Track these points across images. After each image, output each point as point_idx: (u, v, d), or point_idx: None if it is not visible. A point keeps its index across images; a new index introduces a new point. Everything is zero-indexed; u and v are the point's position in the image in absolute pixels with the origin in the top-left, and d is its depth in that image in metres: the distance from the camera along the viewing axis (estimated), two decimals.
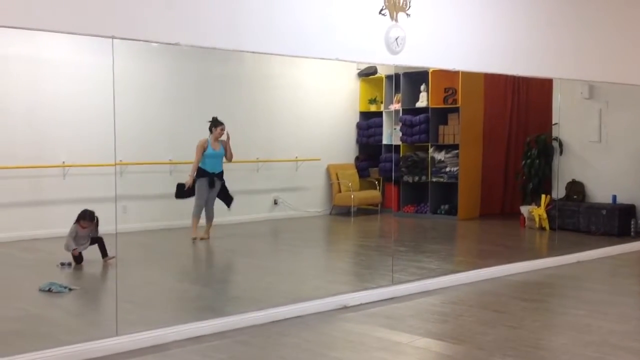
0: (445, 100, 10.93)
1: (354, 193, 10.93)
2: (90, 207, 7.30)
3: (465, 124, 10.72)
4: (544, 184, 9.99)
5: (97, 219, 7.06)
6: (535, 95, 10.70)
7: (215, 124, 8.46)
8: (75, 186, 8.67)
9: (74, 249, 6.91)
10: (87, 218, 6.99)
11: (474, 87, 10.70)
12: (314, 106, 10.97)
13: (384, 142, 11.35)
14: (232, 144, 8.56)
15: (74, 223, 6.99)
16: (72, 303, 5.79)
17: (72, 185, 8.67)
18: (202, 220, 8.52)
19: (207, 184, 8.38)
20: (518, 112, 11.16)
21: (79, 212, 7.11)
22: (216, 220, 8.61)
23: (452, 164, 10.74)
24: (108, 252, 6.98)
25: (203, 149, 8.41)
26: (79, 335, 4.55)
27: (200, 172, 8.40)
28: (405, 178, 11.01)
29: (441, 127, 10.95)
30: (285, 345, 4.56)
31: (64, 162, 8.64)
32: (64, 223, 7.11)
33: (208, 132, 8.47)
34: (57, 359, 4.15)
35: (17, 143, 8.35)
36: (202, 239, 8.38)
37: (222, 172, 8.55)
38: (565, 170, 9.60)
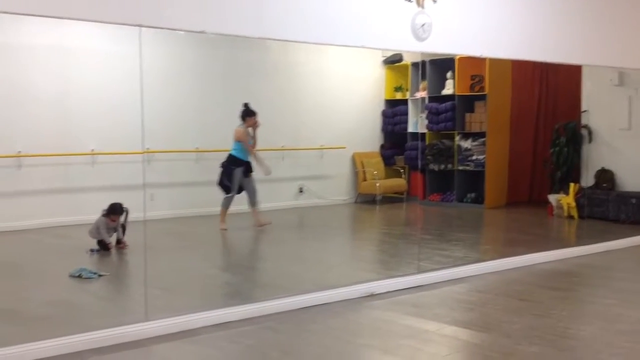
0: (472, 88, 10.84)
1: (379, 181, 10.92)
2: (118, 195, 7.38)
3: (493, 112, 10.63)
4: (573, 172, 9.88)
5: (127, 210, 7.11)
6: (564, 82, 10.56)
7: (250, 113, 8.35)
8: (104, 174, 8.78)
9: (108, 243, 7.01)
10: (117, 212, 7.06)
11: (501, 74, 10.59)
12: (340, 94, 10.96)
13: (410, 130, 11.33)
14: (259, 131, 8.53)
15: (103, 216, 7.05)
16: (102, 288, 5.87)
17: (101, 173, 8.78)
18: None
19: (243, 172, 8.38)
20: (546, 99, 11.04)
21: (107, 199, 7.18)
22: (242, 207, 8.66)
23: (479, 152, 10.66)
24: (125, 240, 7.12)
25: (247, 136, 8.34)
26: (109, 320, 4.61)
27: (237, 162, 8.34)
28: (431, 166, 10.96)
29: (468, 115, 10.88)
30: (313, 332, 4.58)
31: (92, 150, 8.75)
32: (93, 210, 7.20)
33: (239, 120, 8.37)
34: (87, 343, 4.21)
35: (46, 132, 8.47)
36: (262, 225, 8.43)
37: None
38: (594, 158, 9.48)
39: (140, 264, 5.80)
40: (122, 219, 7.11)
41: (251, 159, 8.45)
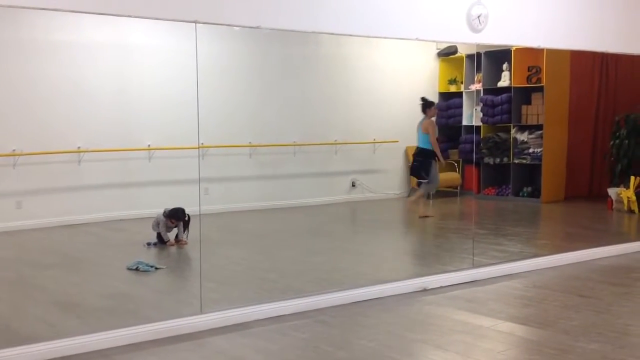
0: (528, 79, 10.63)
1: None
2: (173, 189, 7.49)
3: (550, 104, 10.40)
4: (634, 165, 9.63)
5: (188, 217, 7.17)
6: (625, 73, 10.26)
7: (430, 104, 8.83)
8: (160, 168, 8.93)
9: (168, 240, 7.14)
10: (177, 218, 7.16)
11: (559, 65, 10.35)
12: (392, 87, 10.88)
13: (464, 123, 11.17)
14: (311, 125, 8.56)
15: (164, 215, 7.16)
16: (159, 281, 5.98)
17: (157, 168, 8.93)
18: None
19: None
20: (606, 91, 10.74)
21: (163, 194, 7.31)
22: (295, 202, 8.68)
23: (536, 145, 10.46)
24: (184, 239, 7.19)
25: (435, 128, 8.87)
26: (165, 313, 4.70)
27: (430, 153, 8.80)
28: (486, 160, 10.80)
29: (524, 107, 10.68)
30: (365, 327, 4.57)
31: (149, 146, 8.91)
32: (150, 204, 7.33)
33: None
34: (145, 335, 4.30)
35: (105, 128, 8.66)
36: (425, 216, 9.00)
37: None
38: None
39: (196, 258, 5.90)
40: (182, 224, 7.20)
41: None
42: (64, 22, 8.16)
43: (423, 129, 8.79)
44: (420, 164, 8.83)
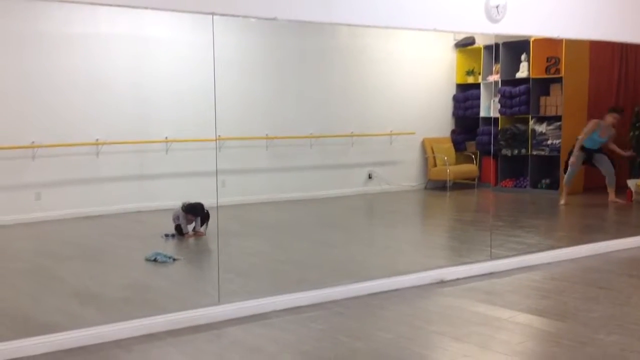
0: (547, 70, 10.54)
1: (450, 167, 10.77)
2: (191, 181, 7.50)
3: (569, 95, 10.30)
4: None
5: (207, 212, 7.18)
6: None
7: (617, 110, 9.24)
8: (177, 161, 8.96)
9: (186, 233, 7.17)
10: (196, 214, 7.18)
11: (578, 56, 10.24)
12: (409, 79, 10.84)
13: (482, 114, 11.10)
14: (328, 117, 8.54)
15: (183, 210, 7.18)
16: (177, 272, 6.01)
17: (174, 160, 8.97)
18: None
19: (584, 158, 9.34)
20: (626, 82, 10.62)
21: (180, 186, 7.32)
22: (312, 194, 8.67)
23: (554, 137, 10.38)
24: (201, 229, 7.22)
25: (592, 130, 9.20)
26: (183, 303, 4.72)
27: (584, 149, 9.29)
28: (504, 151, 10.73)
29: (543, 98, 10.59)
30: (382, 318, 4.57)
31: (166, 138, 8.94)
32: (167, 196, 7.36)
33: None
34: (163, 325, 4.33)
35: (122, 120, 8.70)
36: (615, 202, 9.18)
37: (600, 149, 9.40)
38: None
39: (213, 249, 5.91)
40: (200, 218, 7.22)
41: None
42: (82, 15, 8.20)
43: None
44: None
